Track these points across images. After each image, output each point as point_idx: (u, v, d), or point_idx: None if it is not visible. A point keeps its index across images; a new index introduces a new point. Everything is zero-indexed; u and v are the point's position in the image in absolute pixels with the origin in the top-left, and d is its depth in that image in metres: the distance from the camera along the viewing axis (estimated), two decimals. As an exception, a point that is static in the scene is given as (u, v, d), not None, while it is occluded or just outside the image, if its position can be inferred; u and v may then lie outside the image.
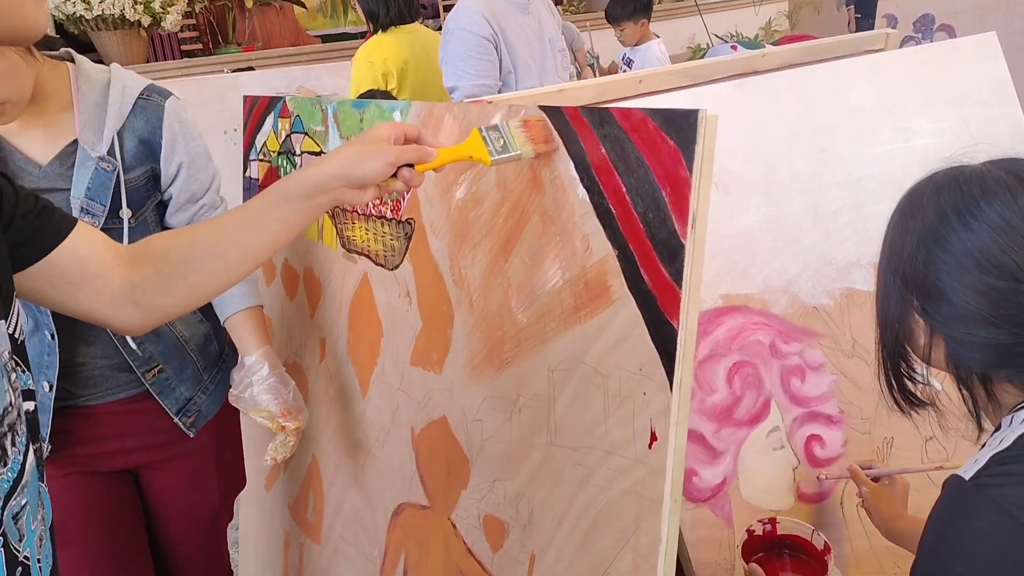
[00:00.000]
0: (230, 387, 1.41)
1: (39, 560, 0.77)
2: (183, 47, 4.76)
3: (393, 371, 1.30)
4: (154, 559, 1.51)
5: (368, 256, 1.34)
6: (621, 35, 3.93)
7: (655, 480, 0.84)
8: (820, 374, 1.43)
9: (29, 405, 0.78)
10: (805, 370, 1.42)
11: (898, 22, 4.05)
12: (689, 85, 1.71)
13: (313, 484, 1.58)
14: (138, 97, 1.33)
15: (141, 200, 1.34)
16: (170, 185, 1.38)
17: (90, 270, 0.91)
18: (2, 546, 0.70)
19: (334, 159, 0.95)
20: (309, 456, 1.58)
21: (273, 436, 1.41)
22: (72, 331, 1.31)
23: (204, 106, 2.94)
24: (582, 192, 0.91)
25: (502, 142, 0.95)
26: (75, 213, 1.26)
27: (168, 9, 4.16)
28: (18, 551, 0.72)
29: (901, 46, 2.03)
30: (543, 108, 0.97)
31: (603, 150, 0.88)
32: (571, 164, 0.93)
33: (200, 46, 4.86)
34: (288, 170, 1.55)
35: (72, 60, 1.32)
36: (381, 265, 1.31)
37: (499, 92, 2.44)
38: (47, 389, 1.31)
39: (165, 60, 4.62)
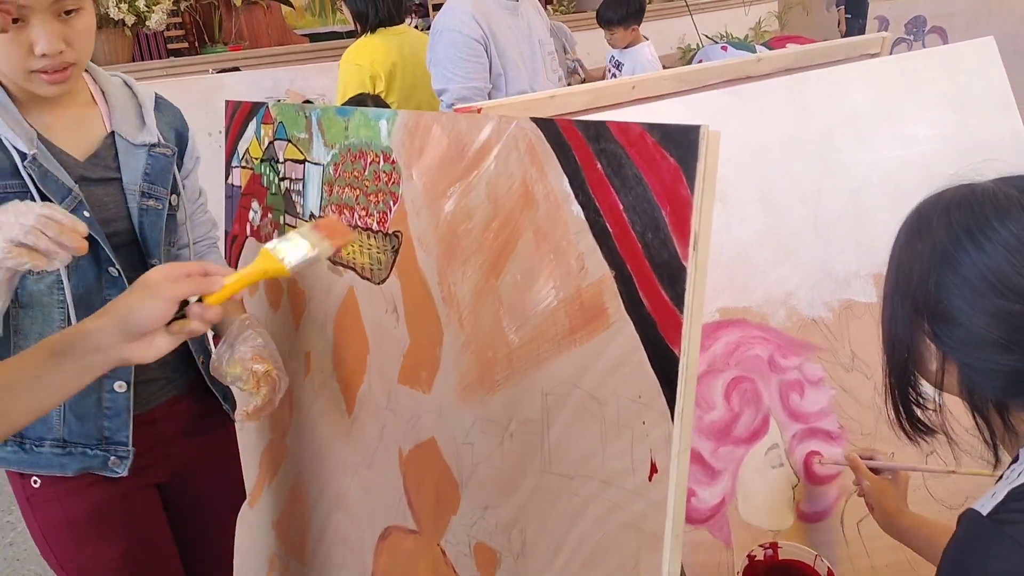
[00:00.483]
0: None
1: None
2: (169, 46, 4.69)
3: (380, 389, 1.25)
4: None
5: (354, 269, 1.29)
6: (611, 38, 3.90)
7: (656, 514, 0.80)
8: (819, 389, 1.40)
9: None
10: (804, 385, 1.39)
11: (890, 24, 4.03)
12: (684, 91, 1.68)
13: (297, 503, 1.53)
14: (156, 97, 1.38)
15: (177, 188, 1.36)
16: (186, 177, 1.40)
17: None
18: None
19: (106, 313, 0.86)
20: (293, 474, 1.53)
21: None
22: None
23: (190, 108, 2.86)
24: (577, 209, 0.87)
25: (296, 250, 0.95)
26: (133, 199, 1.25)
27: (153, 8, 4.10)
28: None
29: (893, 48, 2.00)
30: (534, 120, 0.92)
31: (599, 165, 0.83)
32: (565, 179, 0.88)
33: (186, 45, 4.79)
34: (271, 178, 1.51)
35: None
36: (367, 279, 1.26)
37: (489, 94, 2.40)
38: (123, 389, 1.24)
39: (151, 60, 4.55)
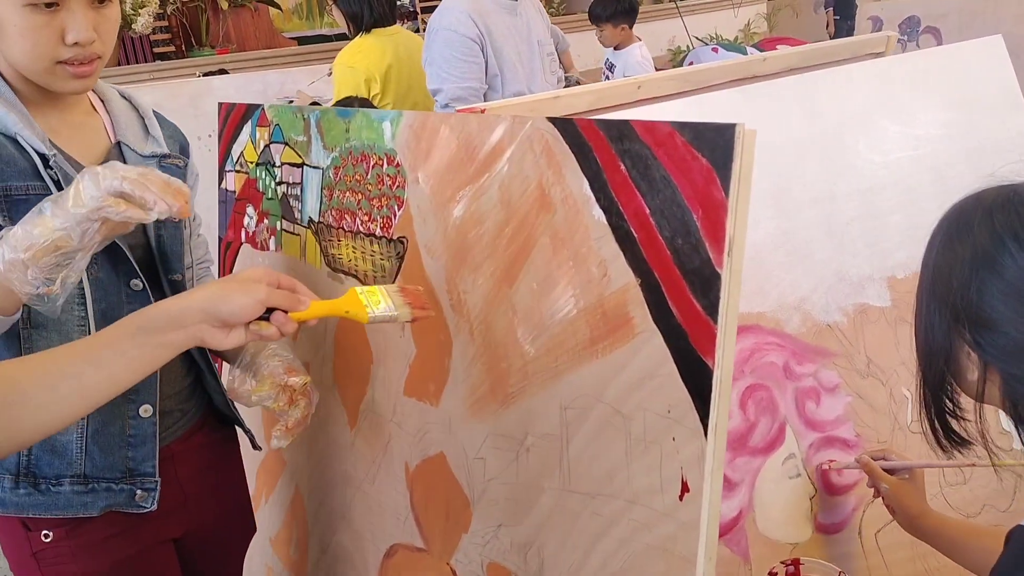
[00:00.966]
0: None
1: None
2: (155, 49, 4.63)
3: (384, 401, 1.20)
4: None
5: (355, 276, 1.24)
6: (600, 36, 3.87)
7: (687, 536, 0.75)
8: (835, 396, 1.36)
9: None
10: (820, 392, 1.35)
11: (883, 24, 4.02)
12: (689, 91, 1.64)
13: (297, 518, 1.48)
14: (152, 110, 1.30)
15: None
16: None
17: None
18: None
19: (198, 292, 0.87)
20: (292, 488, 1.48)
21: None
22: None
23: (177, 111, 2.82)
24: (598, 213, 0.83)
25: (380, 303, 0.94)
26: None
27: (139, 11, 4.04)
28: None
29: (885, 48, 1.97)
30: (551, 120, 0.88)
31: (623, 167, 0.79)
32: (584, 182, 0.84)
33: (172, 48, 4.74)
34: (267, 182, 1.46)
35: None
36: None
37: (484, 95, 2.36)
38: (148, 413, 1.15)
39: (137, 63, 4.49)
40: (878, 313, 1.43)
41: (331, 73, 3.15)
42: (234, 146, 1.55)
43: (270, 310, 0.88)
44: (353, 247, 1.23)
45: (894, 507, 1.19)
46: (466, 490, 1.05)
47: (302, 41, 5.25)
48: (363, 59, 2.59)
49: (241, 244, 1.57)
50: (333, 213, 1.27)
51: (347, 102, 2.43)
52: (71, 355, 0.86)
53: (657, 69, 3.93)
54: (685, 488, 0.76)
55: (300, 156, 1.35)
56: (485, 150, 0.97)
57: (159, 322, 0.85)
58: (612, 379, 0.83)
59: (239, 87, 3.27)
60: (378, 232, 1.18)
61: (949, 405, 0.87)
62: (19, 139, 1.06)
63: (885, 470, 1.19)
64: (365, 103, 2.50)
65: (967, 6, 3.73)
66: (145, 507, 1.15)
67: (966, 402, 0.88)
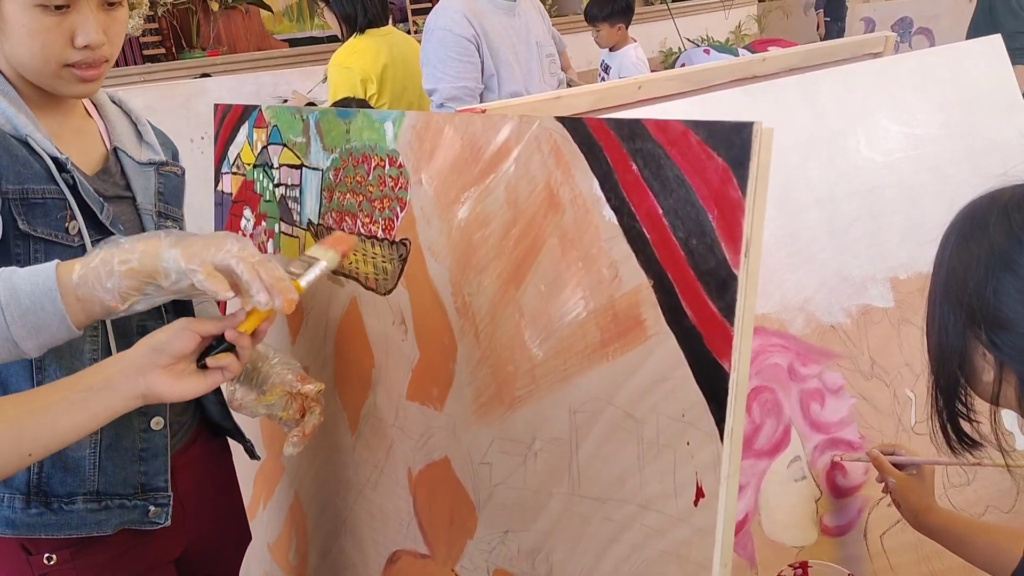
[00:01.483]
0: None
1: None
2: (145, 52, 4.60)
3: (387, 406, 1.19)
4: None
5: (357, 279, 1.23)
6: (597, 36, 3.86)
7: (702, 542, 0.74)
8: (839, 397, 1.35)
9: None
10: (824, 394, 1.34)
11: (876, 25, 4.03)
12: (690, 91, 1.63)
13: (296, 524, 1.46)
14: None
15: None
16: None
17: None
18: None
19: (139, 343, 0.88)
20: (291, 494, 1.46)
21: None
22: None
23: (170, 113, 2.81)
24: (609, 213, 0.81)
25: (306, 265, 0.95)
26: (149, 220, 1.15)
27: (129, 12, 4.01)
28: None
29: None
30: (560, 119, 0.87)
31: (634, 167, 0.78)
32: (595, 182, 0.83)
33: (163, 51, 4.70)
34: (265, 184, 1.44)
35: None
36: (372, 289, 1.20)
37: (481, 95, 2.34)
38: (159, 426, 1.12)
39: (127, 65, 4.46)
40: (881, 314, 1.42)
41: (325, 78, 3.13)
42: (231, 148, 1.53)
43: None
44: (354, 249, 1.22)
45: (901, 502, 1.18)
46: (471, 495, 1.04)
47: (293, 43, 5.23)
48: (358, 60, 2.58)
49: (238, 247, 1.55)
50: (333, 215, 1.25)
51: (345, 103, 2.41)
52: (17, 407, 0.84)
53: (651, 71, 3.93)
54: (700, 493, 0.74)
55: (299, 157, 1.33)
56: (491, 150, 0.96)
57: (105, 372, 0.85)
58: (623, 382, 0.82)
59: (232, 88, 3.25)
60: (380, 234, 1.16)
61: (962, 408, 0.86)
62: (30, 142, 1.03)
63: (894, 464, 1.19)
64: (363, 104, 2.48)
65: (958, 7, 3.74)
66: (159, 523, 1.12)
67: (978, 404, 0.87)
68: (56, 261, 0.90)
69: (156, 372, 0.84)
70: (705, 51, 5.22)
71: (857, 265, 1.41)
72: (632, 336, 0.80)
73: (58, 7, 0.98)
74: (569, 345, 0.88)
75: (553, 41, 2.46)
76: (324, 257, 0.97)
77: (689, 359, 0.74)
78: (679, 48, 6.08)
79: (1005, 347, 0.77)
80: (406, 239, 1.11)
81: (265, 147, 1.42)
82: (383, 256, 1.16)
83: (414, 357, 1.12)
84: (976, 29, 3.08)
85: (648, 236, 0.77)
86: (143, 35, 4.50)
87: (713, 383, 0.73)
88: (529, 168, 0.90)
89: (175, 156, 1.29)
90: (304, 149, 1.32)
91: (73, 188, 1.04)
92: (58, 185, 1.03)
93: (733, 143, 0.69)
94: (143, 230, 1.14)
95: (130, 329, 1.10)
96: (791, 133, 1.39)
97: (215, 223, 1.61)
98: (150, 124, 1.27)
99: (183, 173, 1.26)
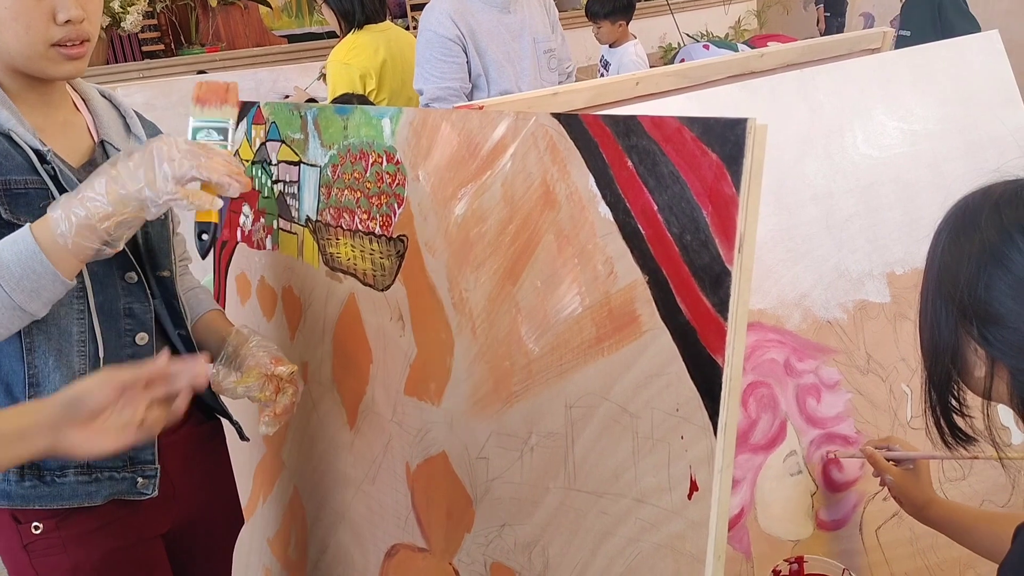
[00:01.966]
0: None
1: None
2: (144, 48, 4.60)
3: (384, 401, 1.19)
4: None
5: (354, 275, 1.23)
6: (597, 32, 3.86)
7: (696, 534, 0.75)
8: (836, 393, 1.36)
9: None
10: (821, 389, 1.34)
11: (875, 20, 4.03)
12: (687, 87, 1.64)
13: (295, 518, 1.47)
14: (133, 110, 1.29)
15: None
16: None
17: None
18: None
19: (57, 396, 0.87)
20: (290, 488, 1.47)
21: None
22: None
23: (169, 109, 2.80)
24: (604, 210, 0.82)
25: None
26: None
27: (128, 9, 4.00)
28: None
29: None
30: (556, 116, 0.87)
31: (630, 163, 0.78)
32: (590, 178, 0.83)
33: (162, 47, 4.70)
34: (263, 180, 1.44)
35: None
36: (369, 285, 1.20)
37: (469, 94, 2.35)
38: None
39: (126, 62, 4.45)
40: (878, 309, 1.42)
41: (322, 75, 3.12)
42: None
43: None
44: (352, 246, 1.22)
45: (900, 498, 1.19)
46: (468, 489, 1.05)
47: (292, 39, 5.23)
48: (357, 56, 2.58)
49: (237, 243, 1.56)
50: (331, 211, 1.26)
51: (345, 99, 2.41)
52: None
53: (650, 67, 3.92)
54: (694, 486, 0.75)
55: (297, 154, 1.34)
56: (487, 147, 0.96)
57: (20, 418, 0.86)
58: (619, 377, 0.82)
59: (231, 85, 3.24)
60: (377, 230, 1.17)
61: (954, 403, 0.86)
62: (12, 135, 1.06)
63: (890, 460, 1.19)
64: (364, 100, 2.48)
65: (957, 2, 3.74)
66: (147, 493, 1.16)
67: (971, 399, 0.88)
68: (28, 225, 0.96)
69: (70, 428, 0.85)
70: (704, 47, 5.21)
71: (854, 261, 1.41)
72: (627, 332, 0.81)
73: None
74: (565, 341, 0.88)
75: (555, 36, 2.45)
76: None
77: (683, 354, 0.75)
78: (678, 43, 6.07)
79: (996, 342, 0.77)
80: (403, 235, 1.12)
81: (263, 143, 1.42)
82: (381, 252, 1.17)
83: (412, 353, 1.13)
84: (921, 32, 3.10)
85: (643, 232, 0.78)
86: (142, 31, 4.50)
87: (707, 378, 0.73)
88: (525, 164, 0.91)
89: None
90: (302, 145, 1.32)
91: (55, 178, 1.07)
92: (40, 176, 1.06)
93: (727, 139, 0.69)
94: None
95: (117, 311, 1.13)
96: (788, 129, 1.39)
97: (214, 219, 1.62)
98: (139, 116, 1.29)
99: None
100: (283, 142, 1.37)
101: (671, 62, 5.38)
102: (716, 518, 0.73)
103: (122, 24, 4.04)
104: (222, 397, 1.26)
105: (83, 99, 1.22)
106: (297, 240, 1.36)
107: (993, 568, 0.86)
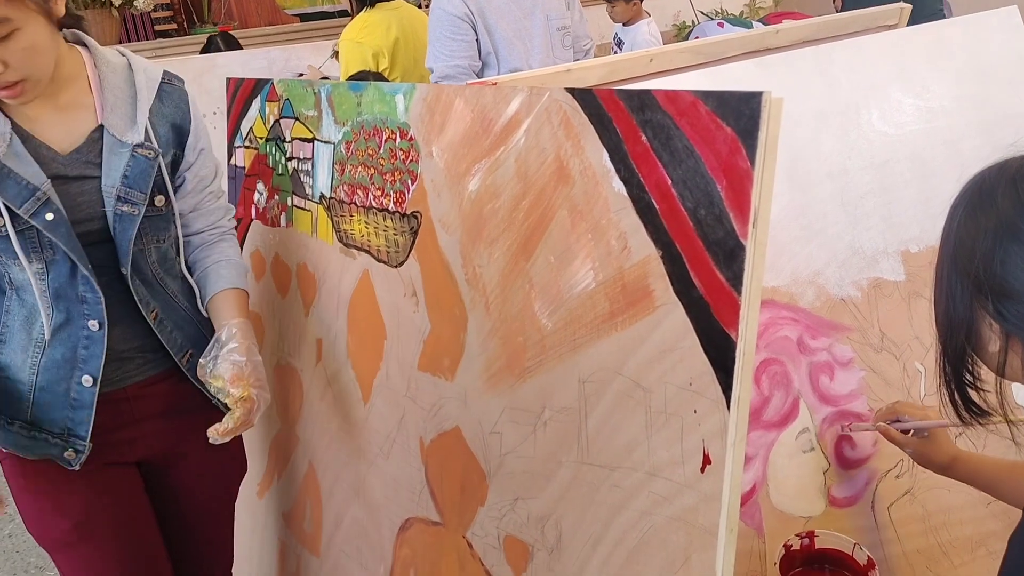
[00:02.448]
0: None
1: None
2: (156, 27, 4.60)
3: (398, 376, 1.20)
4: (168, 548, 1.40)
5: (368, 251, 1.24)
6: (612, 11, 3.83)
7: (708, 508, 0.75)
8: (849, 370, 1.36)
9: None
10: (834, 367, 1.34)
11: (892, -3, 3.97)
12: (701, 64, 1.62)
13: (310, 493, 1.48)
14: (161, 82, 1.27)
15: (167, 186, 1.27)
16: (187, 170, 1.30)
17: None
18: None
19: None
20: (305, 463, 1.49)
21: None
22: (112, 320, 1.22)
23: (182, 88, 2.80)
24: (618, 185, 0.82)
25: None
26: (109, 202, 1.18)
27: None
28: None
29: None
30: (570, 91, 0.87)
31: (644, 138, 0.78)
32: (604, 153, 0.83)
33: (174, 26, 4.70)
34: (277, 157, 1.45)
35: (84, 44, 1.24)
36: (383, 262, 1.21)
37: (480, 72, 2.34)
38: (89, 383, 1.21)
39: (138, 40, 4.46)
40: (892, 287, 1.42)
41: (334, 53, 3.11)
42: (243, 122, 1.54)
43: None
44: (366, 222, 1.23)
45: (924, 464, 1.18)
46: (482, 464, 1.05)
47: (304, 18, 5.21)
48: (370, 34, 2.57)
49: (251, 221, 1.56)
50: (345, 188, 1.26)
51: (361, 77, 2.41)
52: None
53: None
54: (707, 460, 0.75)
55: (311, 131, 1.34)
56: (501, 122, 0.96)
57: None
58: (632, 352, 0.82)
59: (243, 63, 3.24)
60: (391, 207, 1.17)
61: (969, 377, 0.86)
62: None
63: (903, 431, 1.19)
64: (379, 78, 2.48)
65: (977, -21, 3.68)
66: (72, 465, 1.24)
67: (985, 373, 0.88)
68: None
69: None
70: (719, 24, 5.16)
71: (868, 238, 1.41)
72: (641, 306, 0.81)
73: None
74: (578, 316, 0.89)
75: (571, 13, 2.43)
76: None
77: (697, 329, 0.75)
78: (692, 21, 6.01)
79: (1011, 317, 0.77)
80: (417, 212, 1.12)
81: (277, 120, 1.43)
82: (394, 228, 1.17)
83: (425, 328, 1.13)
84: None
85: (657, 207, 0.78)
86: (154, 10, 4.50)
87: (720, 352, 0.73)
88: (539, 140, 0.91)
89: (179, 127, 1.27)
90: (316, 122, 1.32)
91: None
92: None
93: (742, 113, 0.69)
94: (103, 210, 1.19)
95: (72, 296, 1.19)
96: (803, 105, 1.38)
97: (228, 196, 1.62)
98: (168, 86, 1.28)
99: (156, 156, 1.22)
100: (297, 119, 1.37)
101: (685, 40, 5.33)
102: (729, 491, 0.74)
103: (135, 3, 4.04)
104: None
105: (100, 79, 1.21)
106: (311, 217, 1.36)
107: (1002, 546, 0.87)
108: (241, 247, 1.61)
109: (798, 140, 1.34)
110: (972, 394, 0.88)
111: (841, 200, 1.39)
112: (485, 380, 1.03)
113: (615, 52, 3.78)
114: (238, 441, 1.44)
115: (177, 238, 1.30)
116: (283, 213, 1.45)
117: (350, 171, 1.25)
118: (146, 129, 1.22)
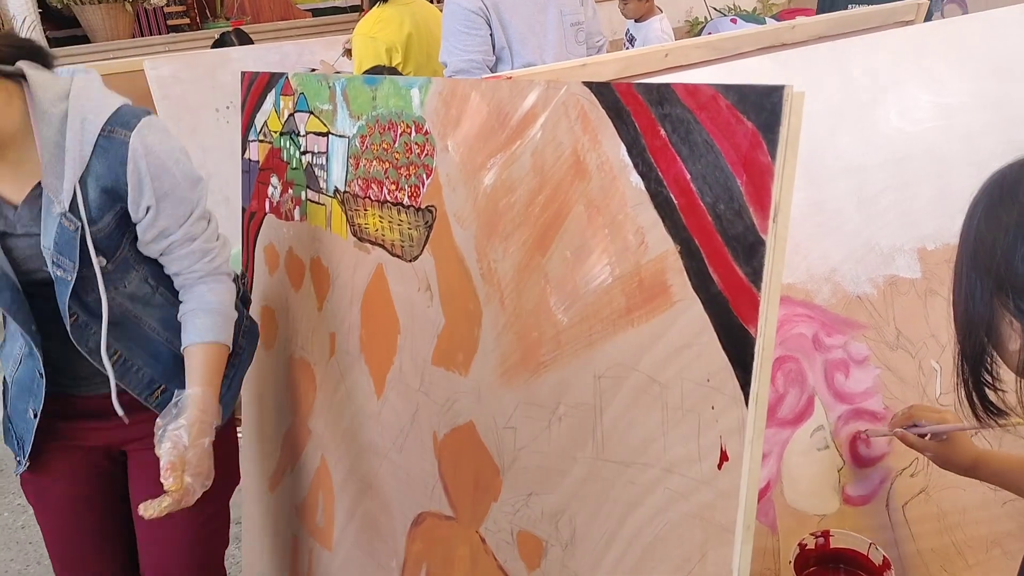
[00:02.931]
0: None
1: None
2: (169, 22, 4.61)
3: (412, 371, 1.20)
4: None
5: (382, 246, 1.24)
6: (624, 7, 3.81)
7: (725, 504, 0.75)
8: (864, 368, 1.35)
9: None
10: (849, 364, 1.33)
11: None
12: (716, 59, 1.62)
13: (323, 487, 1.49)
14: (99, 136, 1.14)
15: (115, 244, 1.21)
16: (138, 223, 1.21)
17: None
18: None
19: None
20: (318, 457, 1.49)
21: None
22: (63, 361, 1.25)
23: (195, 83, 2.81)
24: (636, 179, 0.81)
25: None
26: (48, 263, 1.17)
27: None
28: None
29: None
30: (587, 84, 0.86)
31: (663, 132, 0.78)
32: (622, 147, 0.83)
33: (187, 21, 4.72)
34: (292, 152, 1.45)
35: (24, 78, 1.14)
36: (397, 256, 1.21)
37: (494, 67, 2.33)
38: (32, 416, 1.27)
39: (151, 35, 4.48)
40: (908, 285, 1.41)
41: (346, 50, 3.12)
42: (257, 115, 1.54)
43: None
44: (380, 216, 1.23)
45: (946, 467, 1.17)
46: (496, 459, 1.05)
47: (316, 13, 5.22)
48: (383, 29, 2.57)
49: (265, 214, 1.57)
50: (360, 182, 1.26)
51: (376, 71, 2.41)
52: None
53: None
54: (724, 456, 0.75)
55: (325, 125, 1.34)
56: (517, 116, 0.96)
57: None
58: (648, 348, 0.82)
59: (257, 58, 3.24)
60: (406, 201, 1.17)
61: (988, 377, 0.85)
62: None
63: (920, 435, 1.18)
64: (394, 72, 2.48)
65: (993, -25, 3.65)
66: (18, 471, 1.34)
67: (1004, 373, 0.87)
68: None
69: None
70: (732, 20, 5.14)
71: (885, 235, 1.40)
72: (658, 302, 0.80)
73: None
74: (594, 311, 0.88)
75: (585, 9, 2.42)
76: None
77: (715, 324, 0.75)
78: (705, 17, 5.99)
79: (1034, 315, 0.76)
80: (432, 206, 1.12)
81: (292, 115, 1.43)
82: (409, 223, 1.17)
83: (439, 323, 1.13)
84: None
85: (675, 202, 0.77)
86: (167, 5, 4.52)
87: (739, 348, 0.73)
88: (556, 134, 0.90)
89: (110, 190, 1.17)
90: (331, 116, 1.32)
91: None
92: None
93: (763, 107, 0.68)
94: (45, 267, 1.17)
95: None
96: (820, 101, 1.37)
97: (242, 190, 1.63)
98: (107, 139, 1.15)
99: (78, 229, 1.15)
100: (311, 113, 1.37)
101: (698, 36, 5.31)
102: (746, 488, 0.73)
103: (148, -2, 4.05)
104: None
105: (40, 140, 1.14)
106: (325, 211, 1.36)
107: (1020, 547, 0.86)
108: (255, 241, 1.62)
109: (814, 136, 1.33)
110: (990, 394, 0.87)
111: (857, 197, 1.38)
112: (499, 375, 1.03)
113: (627, 48, 3.77)
114: (233, 454, 1.47)
115: (147, 276, 1.26)
116: (297, 207, 1.45)
117: (365, 165, 1.24)
118: (74, 194, 1.13)
